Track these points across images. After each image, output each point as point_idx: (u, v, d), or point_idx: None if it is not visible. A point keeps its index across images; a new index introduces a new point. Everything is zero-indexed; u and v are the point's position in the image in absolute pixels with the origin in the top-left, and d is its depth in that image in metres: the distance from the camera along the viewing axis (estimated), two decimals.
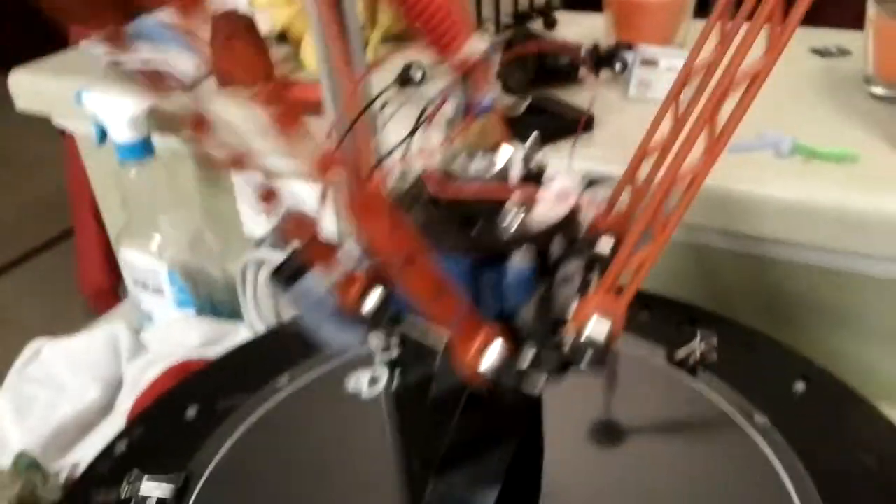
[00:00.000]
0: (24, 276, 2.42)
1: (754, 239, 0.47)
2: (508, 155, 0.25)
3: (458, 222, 0.24)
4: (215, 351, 0.62)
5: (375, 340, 0.31)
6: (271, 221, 0.68)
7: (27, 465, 0.57)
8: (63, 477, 0.58)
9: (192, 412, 0.41)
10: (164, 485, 0.35)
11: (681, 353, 0.40)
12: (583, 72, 0.59)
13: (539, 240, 0.23)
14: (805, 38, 0.64)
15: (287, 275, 0.25)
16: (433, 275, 0.22)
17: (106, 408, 0.66)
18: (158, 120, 0.63)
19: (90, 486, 0.38)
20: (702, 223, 0.48)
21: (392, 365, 0.39)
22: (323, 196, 0.24)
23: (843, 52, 0.62)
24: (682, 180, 0.23)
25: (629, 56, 0.58)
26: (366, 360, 0.41)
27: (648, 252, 0.23)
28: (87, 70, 0.69)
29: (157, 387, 0.62)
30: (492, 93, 0.25)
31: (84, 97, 0.62)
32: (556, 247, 0.23)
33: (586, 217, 0.25)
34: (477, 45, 0.25)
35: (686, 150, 0.23)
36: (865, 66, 0.55)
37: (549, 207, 0.23)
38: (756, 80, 0.23)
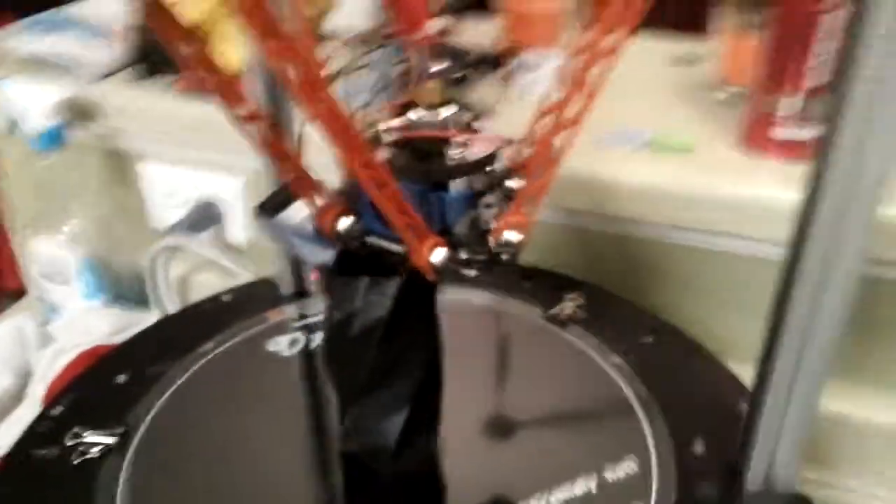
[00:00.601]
0: None
1: (615, 219, 0.55)
2: (451, 111, 0.32)
3: (413, 158, 0.31)
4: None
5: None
6: (181, 210, 0.72)
7: None
8: None
9: (122, 378, 0.45)
10: (107, 436, 0.39)
11: (553, 311, 0.48)
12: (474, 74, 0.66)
13: (471, 171, 0.31)
14: (667, 49, 0.74)
15: (271, 207, 0.31)
16: (397, 195, 0.29)
17: (17, 396, 0.68)
18: (71, 110, 0.65)
19: (30, 445, 0.41)
20: (575, 207, 0.55)
21: (308, 329, 0.45)
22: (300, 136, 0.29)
23: (697, 60, 0.72)
24: (563, 129, 0.31)
25: (515, 61, 0.65)
26: (282, 327, 0.47)
27: (542, 182, 0.31)
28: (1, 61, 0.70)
29: (70, 372, 0.64)
30: (441, 63, 0.32)
31: (2, 84, 0.64)
32: (481, 181, 0.32)
33: (501, 160, 0.33)
34: (434, 24, 0.32)
35: (564, 107, 0.31)
36: (715, 71, 0.65)
37: (479, 149, 0.31)
38: (612, 52, 0.31)
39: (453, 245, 0.31)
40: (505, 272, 0.52)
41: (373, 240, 0.31)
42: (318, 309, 0.49)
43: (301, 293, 0.51)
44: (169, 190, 0.70)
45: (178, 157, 0.69)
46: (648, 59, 0.73)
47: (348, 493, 0.38)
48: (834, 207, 0.31)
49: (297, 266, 0.52)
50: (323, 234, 0.31)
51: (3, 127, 0.68)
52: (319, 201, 0.32)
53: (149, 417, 0.41)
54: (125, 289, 0.71)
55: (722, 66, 0.64)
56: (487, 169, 0.32)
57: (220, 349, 0.46)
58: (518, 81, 0.65)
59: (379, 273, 0.32)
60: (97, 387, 0.44)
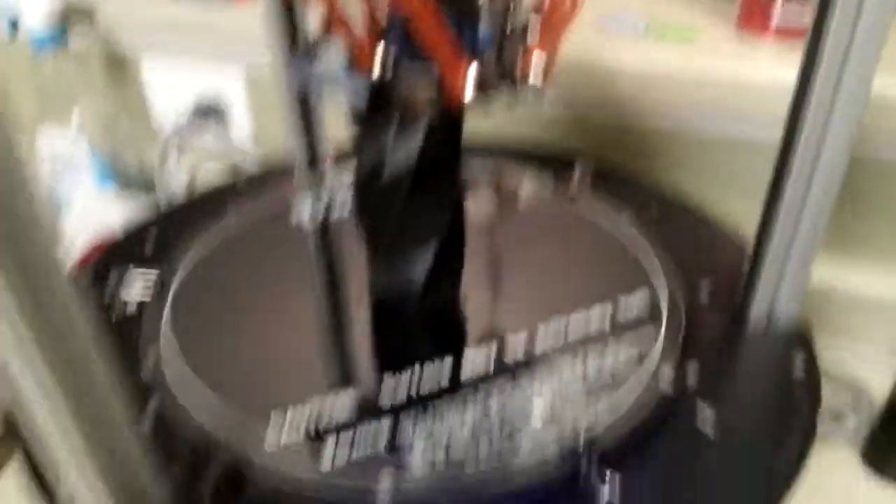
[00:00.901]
0: None
1: (616, 104, 0.57)
2: None
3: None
4: None
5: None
6: (185, 109, 0.72)
7: None
8: None
9: (149, 248, 0.46)
10: (143, 291, 0.41)
11: (566, 184, 0.50)
12: None
13: (499, 8, 0.32)
14: None
15: (305, 53, 0.33)
16: (436, 11, 0.31)
17: None
18: (71, 12, 0.65)
19: None
20: (577, 93, 0.57)
21: (323, 201, 0.46)
22: None
23: None
24: None
25: None
26: (300, 199, 0.48)
27: (562, 19, 0.34)
28: None
29: (86, 258, 0.66)
30: None
31: None
32: (508, 21, 0.33)
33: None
34: None
35: None
36: None
37: None
38: None
39: (485, 77, 0.32)
40: (514, 156, 0.54)
41: (406, 68, 0.33)
42: (331, 185, 0.51)
43: (315, 166, 0.53)
44: (172, 90, 0.71)
45: (181, 58, 0.69)
46: None
47: (376, 336, 0.40)
48: (825, 87, 0.34)
49: (312, 148, 0.53)
50: (358, 69, 0.33)
51: (4, 31, 0.68)
52: (355, 36, 0.33)
53: (184, 268, 0.42)
54: (133, 185, 0.72)
55: None
56: (513, 8, 0.33)
57: (245, 219, 0.47)
58: None
59: (406, 122, 0.34)
60: (128, 255, 0.46)
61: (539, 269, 0.44)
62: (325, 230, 0.47)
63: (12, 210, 0.19)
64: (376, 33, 0.33)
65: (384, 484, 0.31)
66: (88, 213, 0.70)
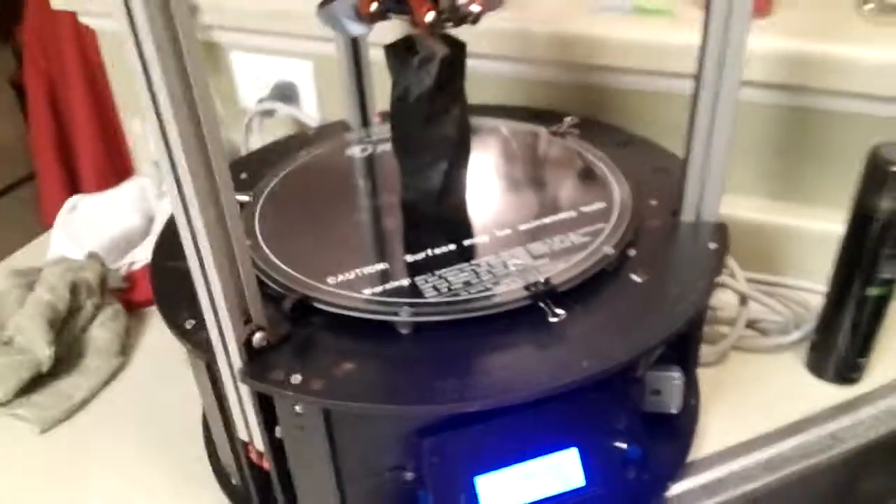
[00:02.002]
0: None
1: (606, 69, 0.71)
2: None
3: None
4: None
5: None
6: (265, 91, 0.91)
7: (96, 260, 0.77)
8: (123, 271, 0.79)
9: (243, 174, 0.63)
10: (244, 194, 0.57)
11: (555, 128, 0.65)
12: None
13: None
14: None
15: (326, 2, 0.50)
16: None
17: (146, 231, 0.87)
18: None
19: None
20: (573, 60, 0.72)
21: (372, 143, 0.62)
22: None
23: None
24: None
25: None
26: (355, 142, 0.64)
27: None
28: None
29: None
30: None
31: None
32: None
33: None
34: None
35: None
36: None
37: None
38: None
39: (439, 12, 0.48)
40: (518, 112, 0.69)
41: (391, 15, 0.49)
42: (376, 133, 0.66)
43: (366, 125, 0.69)
44: (255, 74, 0.88)
45: (262, 47, 0.86)
46: None
47: (405, 230, 0.55)
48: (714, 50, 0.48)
49: (363, 108, 0.69)
50: (361, 15, 0.50)
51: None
52: None
53: (268, 189, 0.59)
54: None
55: None
56: None
57: (313, 154, 0.64)
58: None
59: (425, 58, 0.50)
60: None
61: (525, 184, 0.59)
62: (370, 161, 0.63)
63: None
64: None
65: (404, 310, 0.46)
66: None
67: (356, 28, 0.51)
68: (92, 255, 0.77)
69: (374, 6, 0.49)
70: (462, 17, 0.49)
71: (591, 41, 0.70)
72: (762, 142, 0.71)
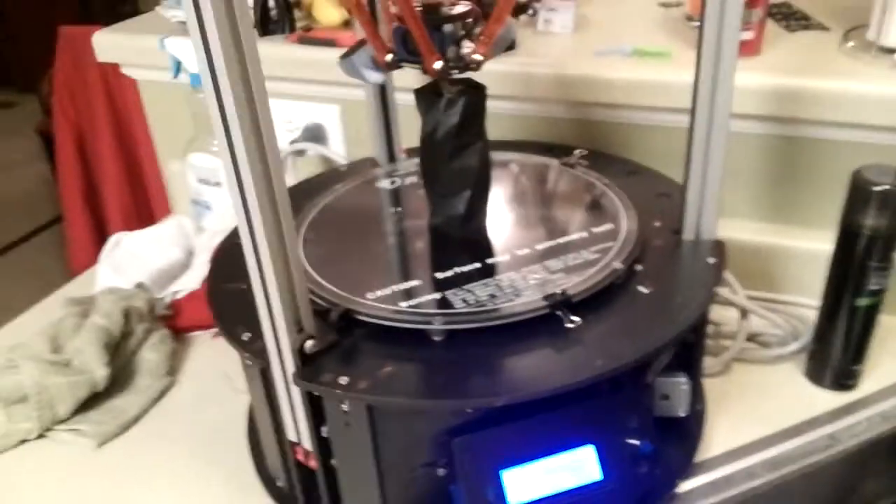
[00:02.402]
0: (9, 264, 2.63)
1: (609, 106, 0.78)
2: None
3: (425, 11, 0.54)
4: None
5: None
6: (296, 133, 0.98)
7: (144, 289, 0.83)
8: (167, 300, 0.85)
9: None
10: None
11: (566, 159, 0.71)
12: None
13: (455, 19, 0.55)
14: None
15: (348, 54, 0.57)
16: (421, 25, 0.53)
17: (185, 265, 0.93)
18: None
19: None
20: (580, 99, 0.78)
21: (400, 176, 0.69)
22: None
23: (678, 4, 0.94)
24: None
25: (538, 5, 0.88)
26: (384, 176, 0.71)
27: (493, 27, 0.55)
28: (156, 29, 0.96)
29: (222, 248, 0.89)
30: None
31: (166, 42, 0.90)
32: (462, 27, 0.55)
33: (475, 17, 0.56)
34: None
35: None
36: (686, 8, 0.87)
37: (460, 8, 0.55)
38: None
39: (446, 61, 0.55)
40: (532, 146, 0.75)
41: (405, 64, 0.56)
42: (403, 167, 0.73)
43: (393, 160, 0.75)
44: (286, 118, 0.96)
45: (293, 93, 0.93)
46: (641, 5, 0.95)
47: (434, 251, 0.61)
48: (706, 85, 0.55)
49: (390, 146, 0.76)
50: (378, 65, 0.57)
51: (171, 70, 0.94)
52: (377, 46, 0.57)
53: (309, 218, 0.65)
54: None
55: (689, 3, 0.87)
56: (466, 20, 0.55)
57: (347, 188, 0.70)
58: (538, 21, 0.88)
59: (451, 100, 0.56)
60: None
61: (540, 209, 0.65)
62: (399, 192, 0.69)
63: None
64: (388, 45, 0.57)
65: (437, 319, 0.52)
66: (224, 214, 0.94)
67: (374, 76, 0.58)
68: (140, 285, 0.84)
69: (389, 57, 0.56)
70: (467, 65, 0.55)
71: (596, 82, 0.77)
72: (758, 170, 0.77)
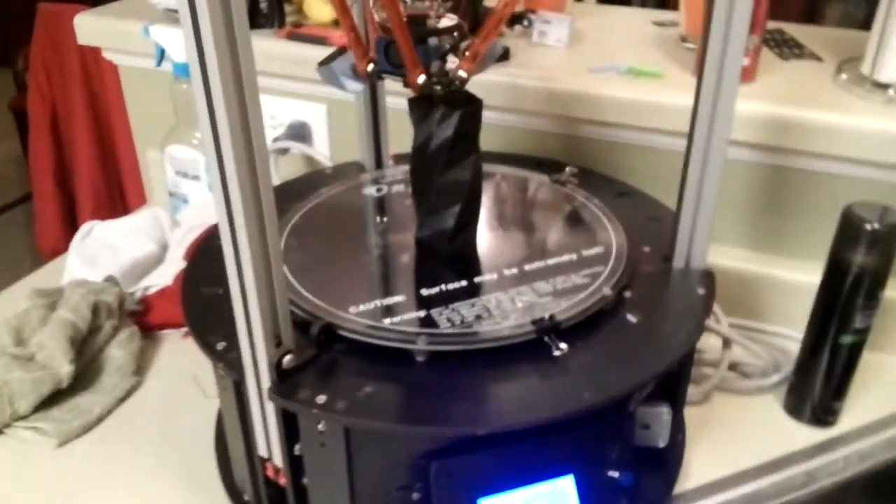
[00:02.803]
0: None
1: (601, 124, 0.77)
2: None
3: (411, 23, 0.52)
4: None
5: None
6: (280, 130, 0.95)
7: (114, 283, 0.80)
8: (138, 295, 0.83)
9: None
10: None
11: (556, 176, 0.70)
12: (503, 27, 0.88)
13: (441, 33, 0.53)
14: (650, 16, 0.95)
15: (328, 61, 0.55)
16: (407, 37, 0.51)
17: (159, 259, 0.90)
18: None
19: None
20: (573, 115, 0.77)
21: (387, 183, 0.67)
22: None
23: (672, 24, 0.93)
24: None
25: (533, 17, 0.87)
26: (371, 182, 0.69)
27: (480, 45, 0.54)
28: (140, 15, 0.93)
29: (199, 240, 0.86)
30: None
31: (150, 29, 0.87)
32: (448, 41, 0.54)
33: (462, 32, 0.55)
34: None
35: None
36: (681, 29, 0.86)
37: (446, 22, 0.54)
38: None
39: (430, 75, 0.53)
40: (522, 160, 0.74)
41: (385, 75, 0.55)
42: (390, 174, 0.71)
43: (380, 166, 0.73)
44: (271, 114, 0.93)
45: (279, 89, 0.91)
46: (636, 23, 0.95)
47: (419, 266, 0.60)
48: (705, 113, 0.54)
49: (378, 151, 0.74)
50: (358, 74, 0.55)
51: (140, 65, 0.91)
52: (358, 55, 0.55)
53: (291, 223, 0.63)
54: None
55: (684, 24, 0.86)
56: (453, 34, 0.54)
57: (332, 192, 0.68)
58: (533, 33, 0.87)
59: (445, 113, 0.54)
60: None
61: (530, 227, 0.64)
62: (385, 200, 0.67)
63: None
64: (370, 54, 0.55)
65: (421, 339, 0.50)
66: (202, 207, 0.92)
67: (353, 86, 0.56)
68: (110, 279, 0.81)
69: (370, 67, 0.54)
70: (451, 81, 0.54)
71: (589, 98, 0.76)
72: (747, 197, 0.76)
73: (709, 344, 0.73)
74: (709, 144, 0.55)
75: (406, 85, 0.54)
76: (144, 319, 0.79)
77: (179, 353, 0.77)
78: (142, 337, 0.77)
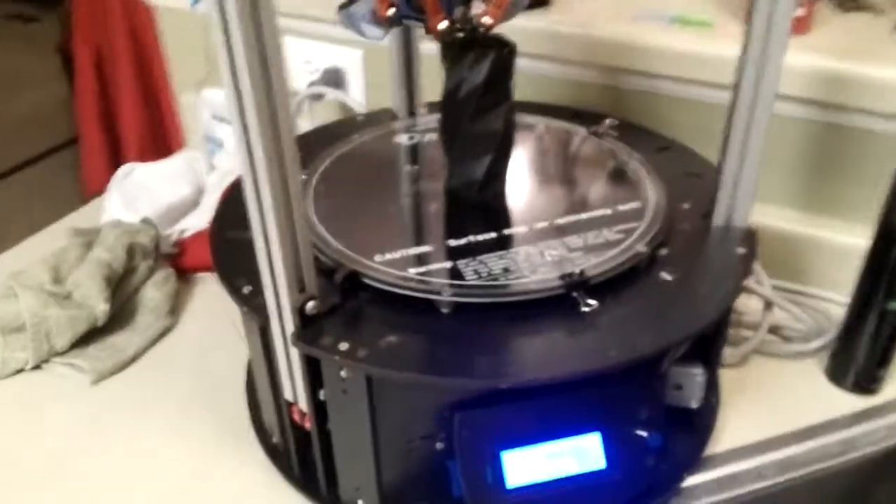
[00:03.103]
0: (28, 180, 2.62)
1: (644, 74, 0.74)
2: None
3: None
4: None
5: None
6: (315, 76, 0.94)
7: (150, 225, 0.81)
8: (174, 238, 0.83)
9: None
10: None
11: (594, 128, 0.67)
12: None
13: None
14: None
15: (345, 5, 0.53)
16: None
17: (194, 202, 0.91)
18: None
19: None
20: (618, 66, 0.74)
21: (418, 132, 0.65)
22: None
23: None
24: None
25: None
26: (402, 130, 0.67)
27: None
28: None
29: (234, 186, 0.86)
30: None
31: None
32: None
33: None
34: None
35: None
36: None
37: None
38: None
39: (452, 22, 0.52)
40: (559, 111, 0.71)
41: (406, 20, 0.53)
42: (423, 122, 0.70)
43: (412, 114, 0.72)
44: (306, 59, 0.92)
45: (315, 33, 0.89)
46: None
47: (448, 216, 0.58)
48: (753, 64, 0.51)
49: (410, 98, 0.72)
50: (378, 20, 0.53)
51: (181, 5, 0.89)
52: None
53: (321, 169, 0.62)
54: None
55: None
56: None
57: (363, 139, 0.67)
58: None
59: (477, 57, 0.52)
60: None
61: (563, 180, 0.62)
62: (417, 149, 0.66)
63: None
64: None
65: (446, 290, 0.50)
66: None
67: (372, 31, 0.54)
68: (146, 221, 0.82)
69: (390, 11, 0.52)
70: (474, 28, 0.52)
71: (632, 47, 0.73)
72: (796, 154, 0.73)
73: (749, 305, 0.71)
74: (755, 97, 0.52)
75: (427, 31, 0.52)
76: (180, 262, 0.80)
77: (213, 295, 0.78)
78: (177, 279, 0.77)
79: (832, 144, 0.71)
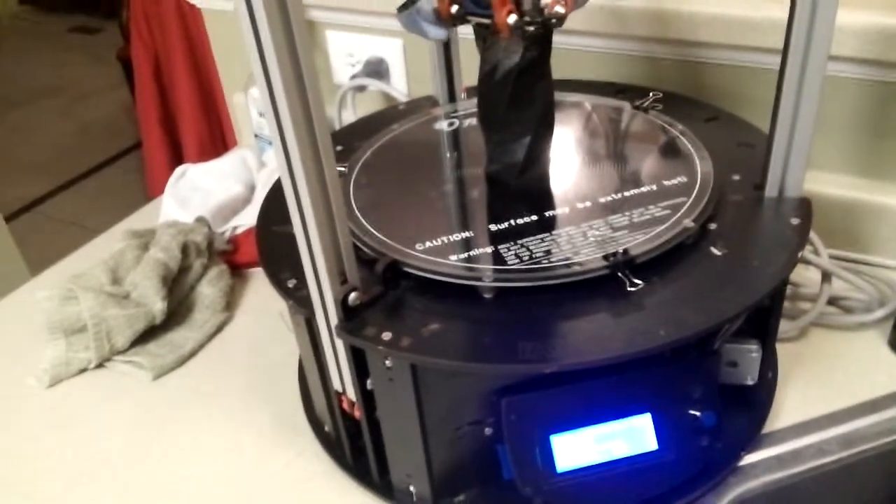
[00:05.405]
0: (92, 187, 2.73)
1: (690, 44, 0.71)
2: None
3: None
4: None
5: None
6: (357, 68, 0.95)
7: (203, 224, 0.83)
8: (227, 235, 0.85)
9: (338, 147, 0.67)
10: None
11: (639, 102, 0.66)
12: None
13: None
14: None
15: (406, 5, 0.52)
16: None
17: (246, 200, 0.92)
18: None
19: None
20: (661, 35, 0.72)
21: (458, 117, 0.65)
22: None
23: None
24: None
25: None
26: (443, 117, 0.67)
27: None
28: None
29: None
30: None
31: None
32: None
33: None
34: None
35: None
36: None
37: None
38: None
39: (522, 14, 0.50)
40: (602, 87, 0.70)
41: (472, 17, 0.51)
42: (463, 108, 0.69)
43: (453, 99, 0.71)
44: (347, 51, 0.92)
45: (356, 25, 0.90)
46: None
47: (488, 201, 0.58)
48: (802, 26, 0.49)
49: (450, 83, 0.72)
50: (441, 18, 0.52)
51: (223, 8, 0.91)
52: None
53: (362, 160, 0.63)
54: None
55: None
56: None
57: (403, 128, 0.67)
58: None
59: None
60: None
61: (607, 158, 0.60)
62: (457, 135, 0.65)
63: None
64: None
65: (487, 275, 0.49)
66: None
67: (436, 32, 0.53)
68: (200, 220, 0.84)
69: (454, 8, 0.52)
70: (546, 20, 0.50)
71: (676, 15, 0.71)
72: (852, 117, 0.70)
73: (806, 277, 0.69)
74: (806, 60, 0.50)
75: (495, 27, 0.51)
76: (233, 258, 0.82)
77: (267, 290, 0.79)
78: (231, 275, 0.79)
79: (891, 105, 0.68)
